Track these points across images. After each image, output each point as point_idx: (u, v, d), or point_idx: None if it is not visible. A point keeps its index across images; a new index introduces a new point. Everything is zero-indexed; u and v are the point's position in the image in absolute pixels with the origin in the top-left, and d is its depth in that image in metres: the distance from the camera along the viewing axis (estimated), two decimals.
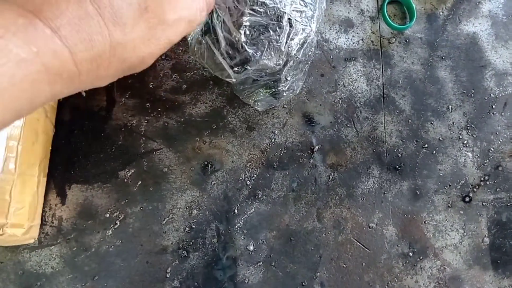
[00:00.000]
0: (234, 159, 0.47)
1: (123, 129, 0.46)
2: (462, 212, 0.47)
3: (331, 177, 0.47)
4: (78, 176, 0.45)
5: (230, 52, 0.36)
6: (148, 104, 0.47)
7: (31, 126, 0.39)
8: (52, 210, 0.45)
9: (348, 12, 0.49)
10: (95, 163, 0.46)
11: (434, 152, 0.48)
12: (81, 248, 0.44)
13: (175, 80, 0.47)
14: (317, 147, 0.47)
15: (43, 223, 0.44)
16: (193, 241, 0.45)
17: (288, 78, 0.38)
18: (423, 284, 0.46)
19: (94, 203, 0.45)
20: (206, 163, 0.46)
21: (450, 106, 0.48)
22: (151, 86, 0.47)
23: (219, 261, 0.45)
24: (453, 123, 0.48)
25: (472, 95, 0.49)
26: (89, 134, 0.46)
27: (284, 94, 0.40)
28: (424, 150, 0.48)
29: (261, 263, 0.45)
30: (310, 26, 0.36)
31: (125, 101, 0.47)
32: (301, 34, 0.36)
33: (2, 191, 0.37)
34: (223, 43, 0.35)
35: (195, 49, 0.38)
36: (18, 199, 0.38)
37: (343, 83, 0.48)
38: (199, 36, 0.37)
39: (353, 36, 0.49)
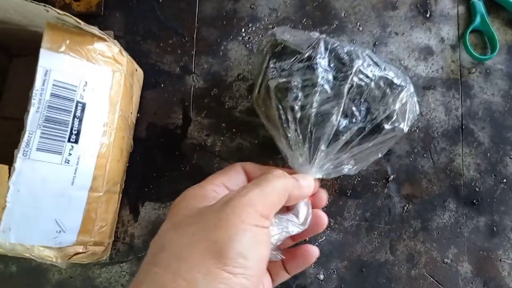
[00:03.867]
0: None
1: (197, 148, 0.46)
2: None
3: (405, 208, 0.46)
4: (151, 193, 0.45)
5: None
6: (223, 124, 0.46)
7: (119, 144, 0.39)
8: (125, 226, 0.45)
9: (428, 40, 0.48)
10: (169, 181, 0.45)
11: None
12: None
13: (251, 101, 0.47)
14: (392, 176, 0.46)
15: (115, 239, 0.44)
16: None
17: None
18: None
19: None
20: None
21: None
22: (226, 107, 0.47)
23: None
24: None
25: None
26: (164, 152, 0.46)
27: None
28: (503, 185, 0.46)
29: None
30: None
31: (200, 120, 0.46)
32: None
33: (89, 208, 0.36)
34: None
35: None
36: (102, 217, 0.38)
37: (421, 112, 0.47)
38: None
39: (432, 64, 0.48)
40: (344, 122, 0.36)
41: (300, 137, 0.35)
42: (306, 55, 0.36)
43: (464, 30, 0.48)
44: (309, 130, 0.35)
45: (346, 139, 0.36)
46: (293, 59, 0.37)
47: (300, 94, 0.36)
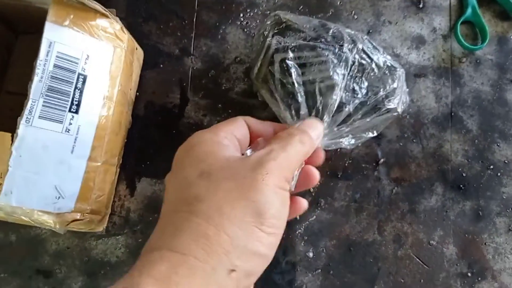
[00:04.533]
0: None
1: (194, 127, 0.48)
2: None
3: (394, 191, 0.47)
4: (148, 169, 0.47)
5: None
6: (219, 105, 0.48)
7: (117, 117, 0.40)
8: (121, 200, 0.46)
9: (421, 29, 0.50)
10: (165, 158, 0.46)
11: (498, 174, 0.48)
12: (146, 240, 0.45)
13: (247, 84, 0.48)
14: (382, 160, 0.47)
15: (112, 212, 0.46)
16: None
17: None
18: None
19: (161, 197, 0.46)
20: None
21: None
22: (223, 88, 0.48)
23: (278, 265, 0.46)
24: None
25: None
26: (162, 130, 0.47)
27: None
28: (489, 172, 0.48)
29: (320, 270, 0.46)
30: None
31: (198, 100, 0.48)
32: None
33: (88, 177, 0.38)
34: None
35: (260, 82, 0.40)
36: (100, 187, 0.39)
37: (412, 99, 0.48)
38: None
39: (424, 53, 0.49)
40: (346, 96, 0.37)
41: (305, 109, 0.37)
42: (310, 32, 0.38)
43: (455, 21, 0.50)
44: (313, 102, 0.37)
45: (349, 111, 0.37)
46: (297, 36, 0.38)
47: (304, 69, 0.37)
